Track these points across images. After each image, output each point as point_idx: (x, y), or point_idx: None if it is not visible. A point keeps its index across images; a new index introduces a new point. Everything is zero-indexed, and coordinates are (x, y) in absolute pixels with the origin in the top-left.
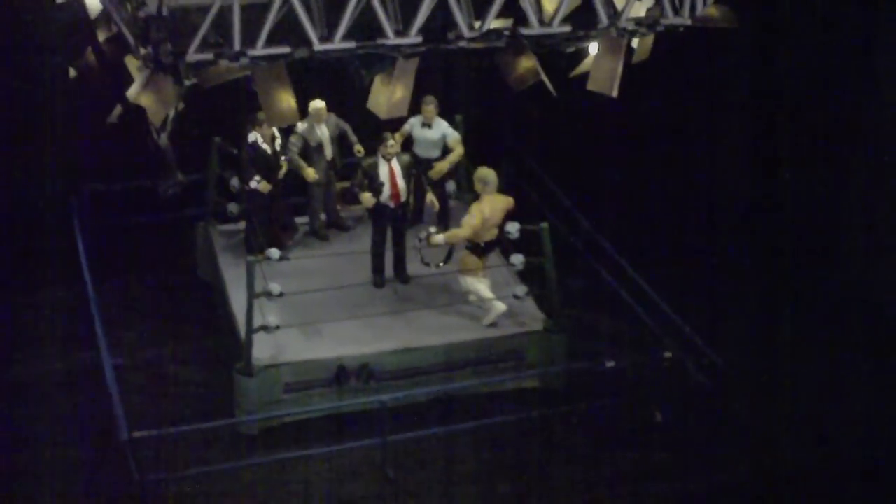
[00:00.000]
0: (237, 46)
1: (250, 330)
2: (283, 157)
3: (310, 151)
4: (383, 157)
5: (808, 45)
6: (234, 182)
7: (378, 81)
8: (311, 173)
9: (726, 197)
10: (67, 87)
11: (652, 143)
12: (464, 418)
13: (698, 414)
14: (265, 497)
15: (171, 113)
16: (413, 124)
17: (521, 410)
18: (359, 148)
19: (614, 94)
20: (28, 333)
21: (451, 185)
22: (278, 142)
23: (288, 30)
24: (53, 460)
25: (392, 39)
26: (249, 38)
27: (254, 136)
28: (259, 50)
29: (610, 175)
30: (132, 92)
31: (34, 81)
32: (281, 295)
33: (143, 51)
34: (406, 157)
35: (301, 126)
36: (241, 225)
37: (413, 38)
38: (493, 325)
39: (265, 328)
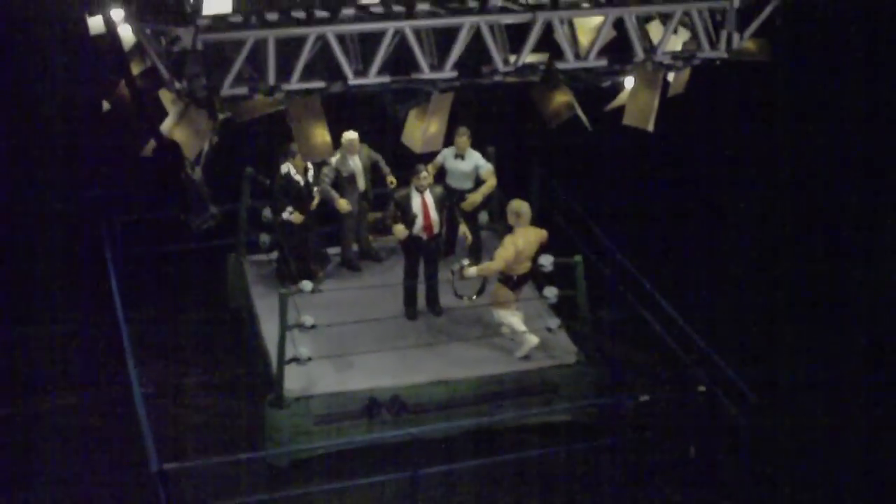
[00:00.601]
0: (272, 81)
1: (282, 362)
2: (315, 189)
3: (342, 182)
4: (416, 188)
5: (846, 75)
6: (267, 213)
7: (412, 116)
8: (343, 204)
9: (764, 231)
10: (101, 119)
11: (687, 176)
12: (495, 451)
13: (732, 449)
14: None
15: (206, 147)
16: (445, 156)
17: (553, 444)
18: (391, 179)
19: (650, 128)
20: (59, 363)
21: (483, 217)
22: (311, 173)
23: (323, 64)
24: (85, 491)
25: (427, 74)
26: (284, 73)
27: (286, 167)
28: (294, 84)
29: (644, 208)
30: (166, 126)
31: (68, 112)
32: (313, 327)
33: (177, 85)
34: (439, 189)
35: (334, 157)
36: (273, 256)
37: (448, 72)
38: (525, 357)
39: (297, 360)
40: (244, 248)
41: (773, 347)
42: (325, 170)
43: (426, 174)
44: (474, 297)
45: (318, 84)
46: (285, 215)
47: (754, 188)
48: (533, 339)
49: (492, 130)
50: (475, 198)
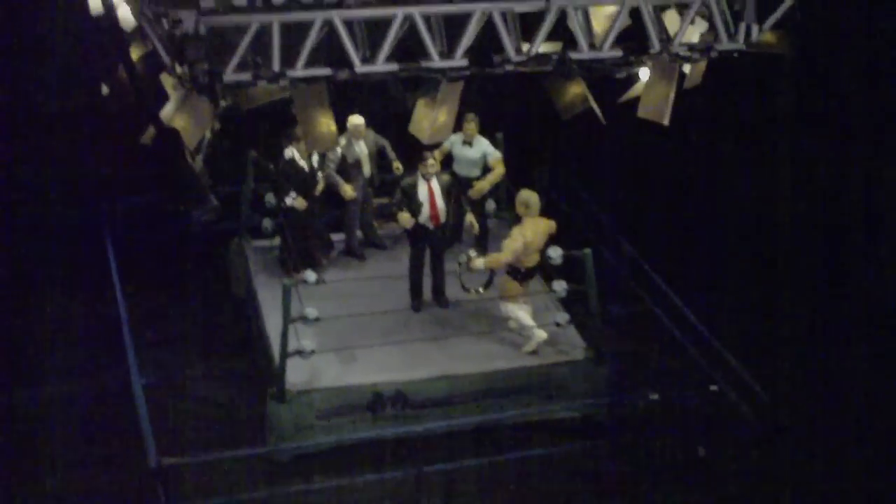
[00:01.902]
0: (276, 67)
1: (284, 356)
2: (319, 174)
3: (347, 168)
4: (423, 176)
5: (865, 69)
6: (270, 198)
7: (421, 105)
8: (348, 190)
9: (778, 226)
10: (101, 101)
11: (702, 170)
12: (501, 448)
13: (742, 450)
14: None
15: (207, 135)
16: (453, 142)
17: (560, 441)
18: (397, 165)
19: (665, 121)
20: (57, 351)
21: (490, 205)
22: (315, 158)
23: (329, 50)
24: (80, 484)
25: (437, 62)
26: (289, 59)
27: (290, 151)
28: (299, 71)
29: (657, 200)
30: (166, 113)
31: (67, 95)
32: (317, 320)
33: (178, 70)
34: (446, 177)
35: (339, 142)
36: (276, 241)
37: (458, 60)
38: (533, 353)
39: (300, 353)
40: (247, 233)
41: (785, 346)
42: (331, 155)
43: (433, 161)
44: (481, 290)
45: (324, 71)
46: (288, 201)
47: (771, 183)
48: (541, 334)
49: (501, 117)
50: (482, 185)
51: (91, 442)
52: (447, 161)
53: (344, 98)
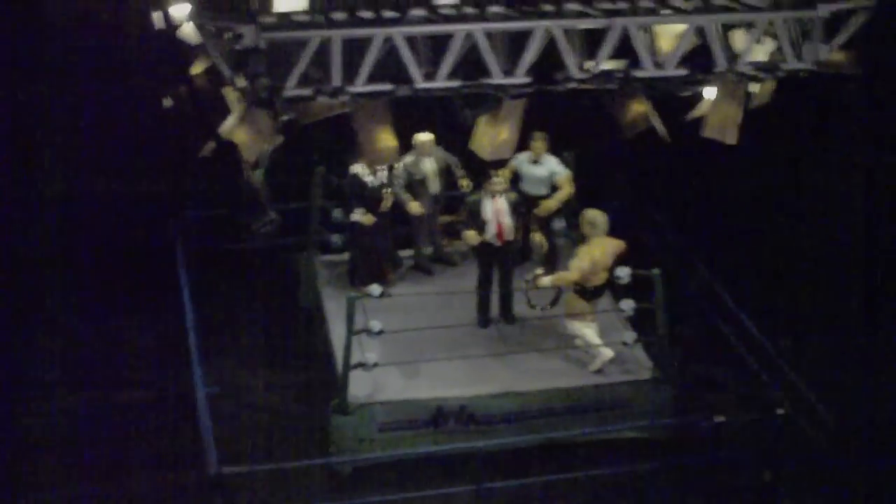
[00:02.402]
0: (337, 82)
1: (347, 367)
2: (386, 190)
3: (414, 184)
4: (489, 193)
5: None
6: (338, 213)
7: (482, 122)
8: (415, 207)
9: (851, 250)
10: (165, 115)
11: (776, 190)
12: (564, 467)
13: (810, 475)
14: None
15: (268, 149)
16: (521, 160)
17: (624, 462)
18: (465, 182)
19: (732, 141)
20: (125, 358)
21: (559, 224)
22: (382, 174)
23: (391, 66)
24: (142, 490)
25: (498, 79)
26: (350, 74)
27: (357, 167)
28: (359, 86)
29: (729, 220)
30: (227, 126)
31: (132, 108)
32: (381, 332)
33: (238, 84)
34: (513, 195)
35: (406, 158)
36: (345, 256)
37: (520, 77)
38: (599, 371)
39: (363, 365)
40: (316, 248)
41: (858, 372)
42: (398, 171)
43: (500, 179)
44: (548, 307)
45: (385, 87)
46: (355, 216)
47: (844, 204)
48: (607, 353)
49: (574, 136)
50: (550, 204)
51: (153, 448)
52: (515, 179)
53: (412, 114)
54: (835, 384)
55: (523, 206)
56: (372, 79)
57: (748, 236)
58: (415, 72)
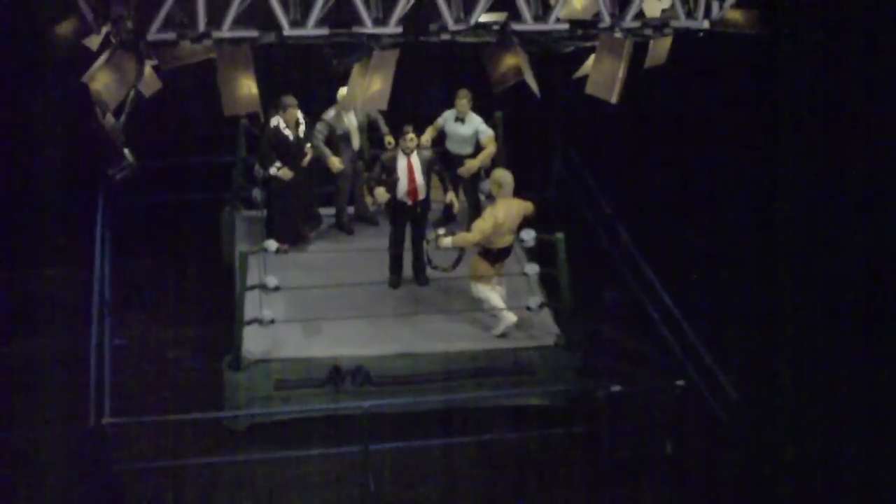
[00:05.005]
0: (201, 27)
1: (241, 323)
2: (306, 145)
3: (336, 140)
4: (402, 150)
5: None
6: (258, 168)
7: (356, 71)
8: (335, 163)
9: (770, 227)
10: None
11: (707, 154)
12: (461, 432)
13: (709, 448)
14: (239, 496)
15: (131, 94)
16: (446, 118)
17: (522, 428)
18: (389, 139)
19: (614, 100)
20: (34, 310)
21: (486, 185)
22: (302, 128)
23: (257, 12)
24: (30, 440)
25: (369, 28)
26: (215, 20)
27: (276, 120)
28: (224, 32)
29: (657, 185)
30: (90, 72)
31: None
32: (277, 289)
33: (102, 28)
34: (427, 152)
35: (328, 113)
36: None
37: (392, 28)
38: (502, 336)
39: (258, 321)
40: (239, 203)
41: (766, 348)
42: (319, 126)
43: (412, 136)
44: (450, 269)
45: (251, 33)
46: (273, 171)
47: (769, 181)
48: (511, 317)
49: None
50: (472, 164)
51: (48, 399)
52: (441, 138)
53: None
54: (745, 356)
55: (438, 164)
56: (237, 24)
57: (683, 204)
58: (282, 18)
